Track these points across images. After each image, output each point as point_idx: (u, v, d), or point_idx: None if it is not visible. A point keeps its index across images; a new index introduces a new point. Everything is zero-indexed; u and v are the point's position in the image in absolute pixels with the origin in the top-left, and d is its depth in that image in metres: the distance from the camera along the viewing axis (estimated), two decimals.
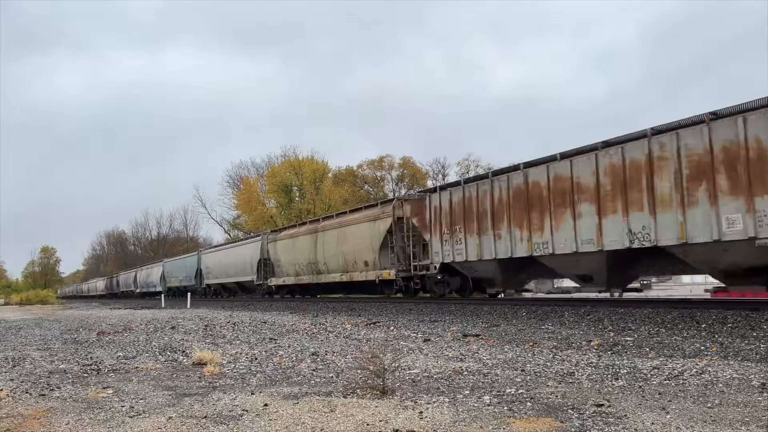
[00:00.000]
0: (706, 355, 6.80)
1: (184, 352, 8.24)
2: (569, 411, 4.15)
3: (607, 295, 16.87)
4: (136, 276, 58.01)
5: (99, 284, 79.39)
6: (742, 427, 3.62)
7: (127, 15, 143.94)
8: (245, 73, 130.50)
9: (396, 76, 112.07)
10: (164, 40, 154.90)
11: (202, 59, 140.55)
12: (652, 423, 3.75)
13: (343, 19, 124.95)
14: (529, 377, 5.61)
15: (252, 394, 5.07)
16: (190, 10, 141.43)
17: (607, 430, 3.65)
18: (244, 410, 4.41)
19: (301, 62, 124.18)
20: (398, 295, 20.12)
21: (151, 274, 51.68)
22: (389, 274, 18.95)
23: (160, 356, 7.92)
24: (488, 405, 4.43)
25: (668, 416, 3.92)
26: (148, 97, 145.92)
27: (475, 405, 4.43)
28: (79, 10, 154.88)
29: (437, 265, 16.94)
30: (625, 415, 3.96)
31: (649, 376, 5.49)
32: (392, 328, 11.28)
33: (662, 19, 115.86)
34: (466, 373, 5.93)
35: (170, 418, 4.23)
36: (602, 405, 4.28)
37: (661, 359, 6.53)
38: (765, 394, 4.53)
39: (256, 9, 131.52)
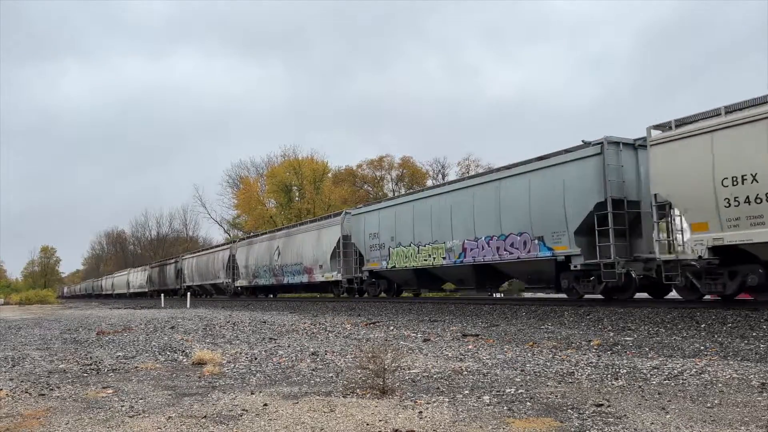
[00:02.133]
0: (706, 355, 6.80)
1: (183, 351, 8.24)
2: (569, 411, 4.15)
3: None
4: (233, 258, 31.69)
5: (135, 277, 56.95)
6: (742, 427, 3.62)
7: (134, 23, 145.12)
8: (248, 78, 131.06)
9: (396, 81, 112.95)
10: (169, 47, 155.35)
11: (207, 65, 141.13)
12: (652, 423, 3.75)
13: (343, 27, 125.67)
14: (528, 377, 5.61)
15: (252, 393, 5.07)
16: (196, 17, 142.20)
17: (606, 429, 3.65)
18: (243, 410, 4.41)
19: (303, 68, 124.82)
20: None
21: (288, 250, 26.35)
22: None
23: (160, 356, 7.92)
24: (488, 405, 4.43)
25: (668, 416, 3.92)
26: (152, 101, 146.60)
27: (475, 405, 4.43)
28: (86, 17, 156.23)
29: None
30: (625, 415, 3.96)
31: (648, 376, 5.49)
32: (392, 327, 11.28)
33: (656, 25, 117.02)
34: (465, 372, 5.93)
35: (170, 417, 4.23)
36: (602, 405, 4.28)
37: (660, 359, 6.53)
38: (764, 394, 4.53)
39: (259, 15, 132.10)
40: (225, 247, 34.83)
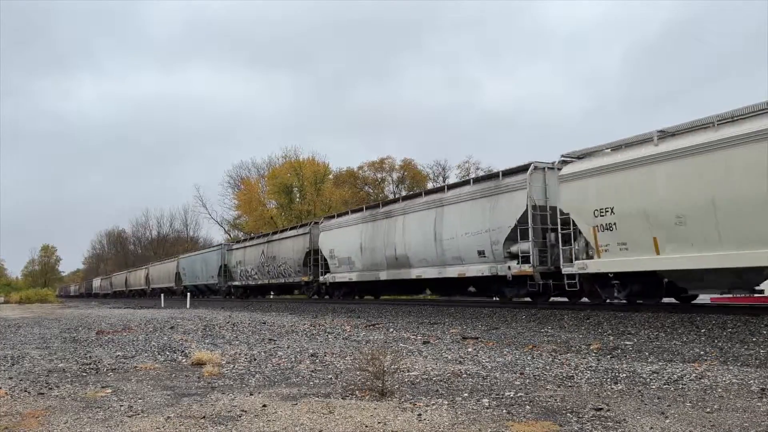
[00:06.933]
0: (706, 359, 6.79)
1: (183, 352, 8.24)
2: (568, 415, 4.14)
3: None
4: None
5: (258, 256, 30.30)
6: None
7: (146, 35, 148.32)
8: (253, 87, 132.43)
9: (396, 91, 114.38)
10: (181, 60, 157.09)
11: (213, 73, 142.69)
12: (651, 428, 3.75)
13: (345, 42, 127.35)
14: (528, 380, 5.61)
15: (251, 394, 5.06)
16: (204, 30, 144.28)
17: None
18: (242, 411, 4.41)
19: (307, 78, 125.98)
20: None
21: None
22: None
23: (159, 356, 7.91)
24: (487, 408, 4.42)
25: (667, 421, 3.92)
26: (159, 108, 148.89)
27: (474, 408, 4.42)
28: (101, 33, 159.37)
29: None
30: (624, 420, 3.96)
31: (648, 380, 5.48)
32: (391, 329, 11.27)
33: (646, 41, 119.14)
34: (465, 375, 5.92)
35: (169, 418, 4.22)
36: (601, 409, 4.27)
37: (660, 363, 6.52)
38: (764, 400, 4.52)
39: (265, 28, 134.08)
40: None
